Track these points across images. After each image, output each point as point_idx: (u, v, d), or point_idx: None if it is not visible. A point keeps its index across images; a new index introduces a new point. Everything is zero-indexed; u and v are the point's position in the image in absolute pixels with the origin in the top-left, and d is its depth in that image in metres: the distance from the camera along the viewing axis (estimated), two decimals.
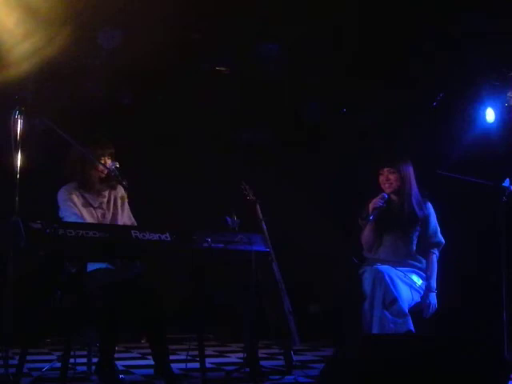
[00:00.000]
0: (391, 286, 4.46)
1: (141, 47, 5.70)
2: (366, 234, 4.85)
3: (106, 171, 4.41)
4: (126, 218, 4.60)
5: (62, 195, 4.39)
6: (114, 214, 4.54)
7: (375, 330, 4.37)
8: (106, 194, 4.53)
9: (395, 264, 4.68)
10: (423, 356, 2.99)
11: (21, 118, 4.10)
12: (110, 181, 4.50)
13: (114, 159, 4.45)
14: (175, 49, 6.11)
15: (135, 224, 4.59)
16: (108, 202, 4.53)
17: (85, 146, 4.40)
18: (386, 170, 4.83)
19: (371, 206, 4.78)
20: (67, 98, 6.07)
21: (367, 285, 4.50)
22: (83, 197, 4.43)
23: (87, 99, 6.23)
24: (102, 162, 4.41)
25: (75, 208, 4.34)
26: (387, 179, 4.82)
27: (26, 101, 5.47)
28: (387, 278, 4.46)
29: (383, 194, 4.80)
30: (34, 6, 5.26)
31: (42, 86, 6.09)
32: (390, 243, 4.80)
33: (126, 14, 5.53)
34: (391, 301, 4.43)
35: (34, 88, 6.06)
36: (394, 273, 4.57)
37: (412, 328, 4.43)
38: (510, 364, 3.19)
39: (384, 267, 4.58)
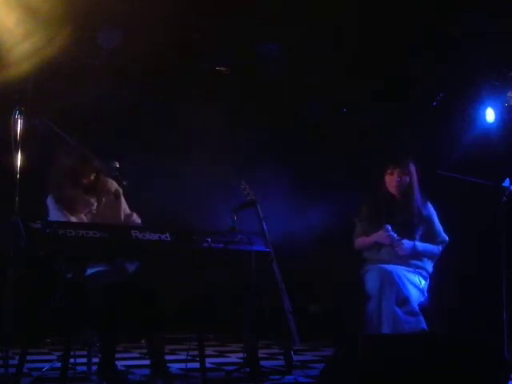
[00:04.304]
0: (401, 286, 4.45)
1: (141, 47, 5.71)
2: (367, 244, 4.82)
3: (91, 181, 4.34)
4: (125, 211, 4.52)
5: (51, 202, 4.32)
6: (106, 215, 4.42)
7: (386, 330, 4.34)
8: (94, 199, 4.44)
9: (396, 263, 4.67)
10: (423, 356, 2.99)
11: (21, 118, 4.09)
12: (96, 187, 4.41)
13: (99, 174, 4.36)
14: (175, 49, 6.11)
15: (134, 214, 4.52)
16: (98, 204, 4.43)
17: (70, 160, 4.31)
18: (397, 170, 4.80)
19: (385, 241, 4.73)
20: (67, 97, 6.06)
21: (373, 284, 4.48)
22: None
23: (87, 99, 6.23)
24: (86, 180, 4.33)
25: (67, 216, 4.26)
26: (399, 180, 4.79)
27: (26, 101, 5.47)
28: (397, 278, 4.45)
29: (386, 226, 4.71)
30: (34, 5, 5.26)
31: (41, 86, 6.08)
32: None
33: (126, 14, 5.54)
34: (403, 300, 4.42)
35: (33, 88, 6.06)
36: (401, 272, 4.56)
37: (425, 326, 4.42)
38: (510, 364, 3.19)
39: (391, 266, 4.56)
